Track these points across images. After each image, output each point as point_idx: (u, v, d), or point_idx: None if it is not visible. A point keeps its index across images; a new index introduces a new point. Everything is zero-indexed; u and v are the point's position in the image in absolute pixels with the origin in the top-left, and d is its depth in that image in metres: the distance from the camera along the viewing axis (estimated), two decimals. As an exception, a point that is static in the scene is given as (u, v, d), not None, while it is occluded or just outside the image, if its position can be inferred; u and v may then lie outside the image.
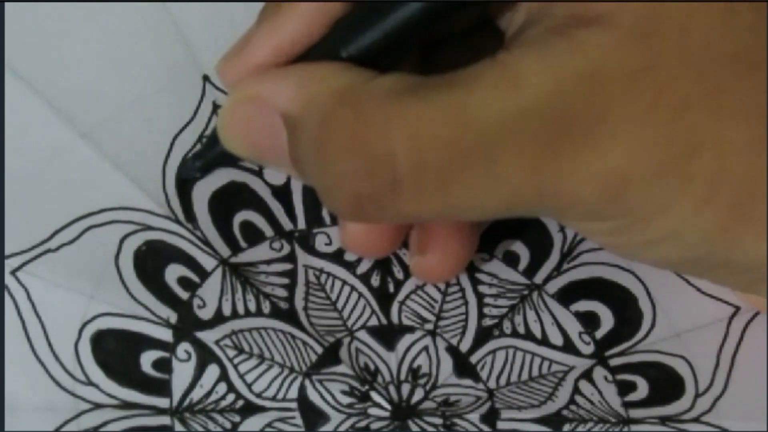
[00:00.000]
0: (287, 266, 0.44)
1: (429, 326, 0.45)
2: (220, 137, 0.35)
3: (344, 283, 0.45)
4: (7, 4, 0.42)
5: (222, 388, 0.43)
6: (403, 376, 0.44)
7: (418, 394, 0.44)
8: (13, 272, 0.42)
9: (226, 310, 0.43)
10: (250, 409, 0.43)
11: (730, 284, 0.35)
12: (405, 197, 0.30)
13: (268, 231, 0.44)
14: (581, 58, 0.28)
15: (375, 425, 0.43)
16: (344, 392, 0.43)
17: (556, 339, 0.44)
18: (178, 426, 0.43)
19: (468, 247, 0.41)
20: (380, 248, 0.41)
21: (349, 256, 0.45)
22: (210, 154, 0.41)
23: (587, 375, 0.44)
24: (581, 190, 0.29)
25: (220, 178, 0.44)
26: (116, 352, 0.43)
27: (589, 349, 0.44)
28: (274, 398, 0.43)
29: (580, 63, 0.28)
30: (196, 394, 0.43)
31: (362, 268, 0.45)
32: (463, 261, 0.41)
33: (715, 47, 0.28)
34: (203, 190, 0.44)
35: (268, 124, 0.33)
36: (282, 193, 0.44)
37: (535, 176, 0.29)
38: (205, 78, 0.43)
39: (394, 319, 0.45)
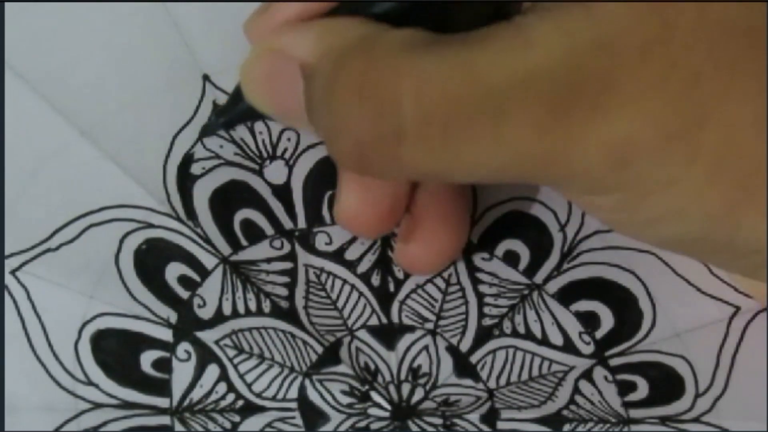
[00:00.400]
0: (288, 265, 0.44)
1: (429, 326, 0.45)
2: (243, 90, 0.36)
3: (345, 282, 0.45)
4: (7, 4, 0.42)
5: (222, 387, 0.43)
6: (403, 376, 0.44)
7: (418, 393, 0.44)
8: (13, 272, 0.42)
9: (227, 310, 0.43)
10: (250, 409, 0.43)
11: (733, 268, 0.34)
12: (407, 147, 0.30)
13: (269, 229, 0.44)
14: (596, 25, 0.28)
15: (375, 425, 0.43)
16: (344, 392, 0.43)
17: (556, 339, 0.44)
18: (177, 426, 0.43)
19: (453, 242, 0.41)
20: (372, 225, 0.40)
21: (350, 255, 0.45)
22: (233, 109, 0.41)
23: (587, 375, 0.44)
24: (587, 158, 0.29)
25: (221, 176, 0.44)
26: (116, 351, 0.43)
27: (589, 349, 0.44)
28: (274, 398, 0.43)
29: (595, 31, 0.28)
30: (196, 394, 0.43)
31: (363, 268, 0.45)
32: (445, 254, 0.41)
33: (731, 22, 0.28)
34: (204, 188, 0.44)
35: (288, 75, 0.33)
36: (282, 191, 0.44)
37: (541, 139, 0.29)
38: (205, 77, 0.43)
39: (395, 318, 0.45)
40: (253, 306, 0.44)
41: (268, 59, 0.34)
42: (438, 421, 0.43)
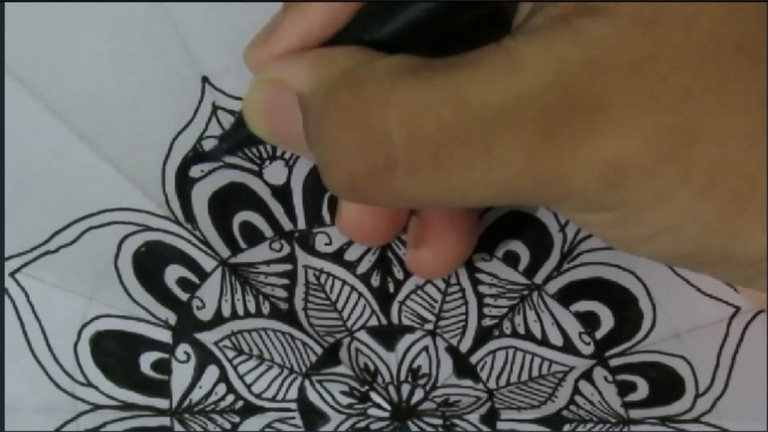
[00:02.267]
0: (287, 267, 0.44)
1: (429, 326, 0.45)
2: (245, 117, 0.36)
3: (344, 283, 0.45)
4: (6, 5, 0.42)
5: (221, 388, 0.43)
6: (403, 377, 0.44)
7: (418, 394, 0.44)
8: (12, 274, 0.42)
9: (226, 311, 0.43)
10: (249, 410, 0.43)
11: (730, 279, 0.35)
12: (400, 177, 0.30)
13: (268, 231, 0.44)
14: (583, 46, 0.28)
15: (375, 426, 0.43)
16: (344, 393, 0.43)
17: (556, 339, 0.44)
18: (177, 427, 0.43)
19: (464, 245, 0.41)
20: (374, 235, 0.40)
21: (350, 256, 0.45)
22: (236, 135, 0.41)
23: (587, 375, 0.44)
24: (579, 178, 0.29)
25: (219, 178, 0.44)
26: (115, 353, 0.43)
27: (589, 350, 0.44)
28: (273, 399, 0.43)
29: (582, 51, 0.28)
30: (196, 395, 0.43)
31: (362, 268, 0.45)
32: (457, 258, 0.41)
33: (719, 37, 0.28)
34: (203, 191, 0.44)
35: (286, 106, 0.34)
36: (282, 193, 0.44)
37: (533, 162, 0.29)
38: (205, 79, 0.43)
39: (394, 319, 0.45)
40: (252, 307, 0.44)
41: (266, 89, 0.35)
42: (438, 421, 0.43)
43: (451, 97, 0.29)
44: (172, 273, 0.43)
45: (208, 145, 0.43)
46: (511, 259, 0.45)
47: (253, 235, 0.44)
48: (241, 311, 0.44)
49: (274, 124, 0.35)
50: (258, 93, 0.35)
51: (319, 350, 0.44)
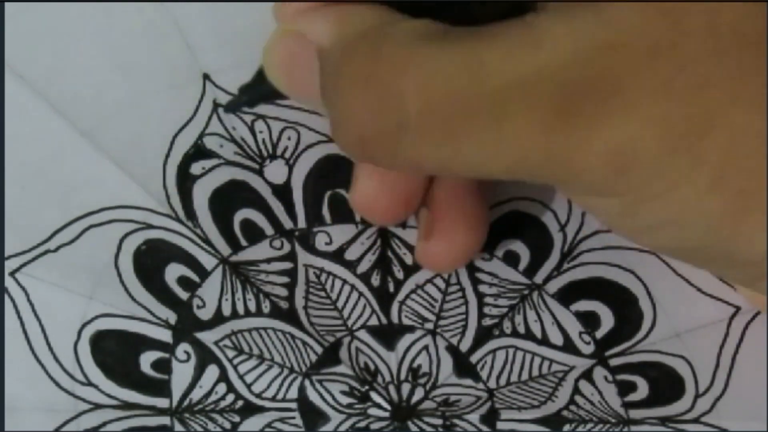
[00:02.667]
0: (287, 265, 0.44)
1: (429, 326, 0.45)
2: (265, 69, 0.36)
3: (344, 282, 0.45)
4: (7, 4, 0.42)
5: (222, 388, 0.43)
6: (403, 376, 0.44)
7: (418, 393, 0.44)
8: (12, 273, 0.42)
9: (226, 310, 0.43)
10: (249, 410, 0.43)
11: (732, 278, 0.35)
12: (409, 140, 0.30)
13: (269, 229, 0.44)
14: (606, 28, 0.28)
15: (375, 425, 0.43)
16: (344, 392, 0.43)
17: (557, 339, 0.44)
18: (177, 426, 0.43)
19: (474, 238, 0.41)
20: (387, 213, 0.40)
21: (350, 255, 0.45)
22: (256, 89, 0.41)
23: (587, 375, 0.44)
24: (589, 160, 0.29)
25: (220, 176, 0.44)
26: (116, 352, 0.43)
27: (589, 349, 0.44)
28: (273, 398, 0.43)
29: (604, 33, 0.28)
30: (196, 395, 0.43)
31: (362, 268, 0.45)
32: (468, 251, 0.41)
33: (740, 30, 0.28)
34: (204, 188, 0.44)
35: (305, 59, 0.33)
36: (282, 191, 0.44)
37: (544, 139, 0.29)
38: (206, 76, 0.43)
39: (395, 318, 0.45)
40: (252, 307, 0.44)
41: (287, 41, 0.34)
42: (438, 421, 0.43)
43: (469, 68, 0.29)
44: (173, 272, 0.43)
45: (209, 141, 0.43)
46: (512, 259, 0.45)
47: (253, 233, 0.44)
48: (241, 310, 0.44)
49: (293, 77, 0.35)
50: (279, 44, 0.35)
51: (319, 350, 0.44)
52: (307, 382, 0.43)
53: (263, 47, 0.35)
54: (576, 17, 0.29)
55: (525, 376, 0.44)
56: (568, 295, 0.44)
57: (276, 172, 0.44)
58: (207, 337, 0.43)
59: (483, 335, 0.45)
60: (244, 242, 0.44)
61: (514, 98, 0.28)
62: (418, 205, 0.40)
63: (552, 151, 0.29)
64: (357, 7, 0.33)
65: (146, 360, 0.43)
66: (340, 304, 0.44)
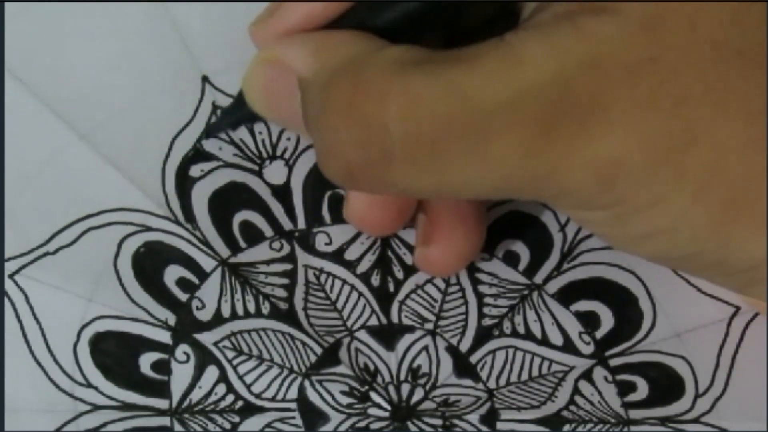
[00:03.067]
0: (287, 266, 0.44)
1: (429, 326, 0.45)
2: (245, 95, 0.36)
3: (344, 282, 0.45)
4: (6, 5, 0.42)
5: (221, 389, 0.43)
6: (402, 376, 0.44)
7: (418, 394, 0.44)
8: (12, 276, 0.42)
9: (225, 312, 0.44)
10: (249, 410, 0.43)
11: (725, 285, 0.34)
12: (396, 169, 0.30)
13: (268, 231, 0.44)
14: (585, 45, 0.28)
15: (374, 426, 0.43)
16: (344, 392, 0.43)
17: (556, 339, 0.44)
18: (177, 426, 0.43)
19: (473, 242, 0.41)
20: (381, 225, 0.40)
21: (350, 256, 0.45)
22: (237, 111, 0.41)
23: (587, 375, 0.44)
24: (575, 177, 0.29)
25: (219, 178, 0.44)
26: (115, 354, 0.43)
27: (589, 349, 0.44)
28: (273, 399, 0.43)
29: (584, 50, 0.28)
30: (196, 395, 0.43)
31: (362, 268, 0.45)
32: (466, 255, 0.41)
33: (721, 43, 0.28)
34: (203, 190, 0.44)
35: (286, 86, 0.33)
36: (282, 192, 0.44)
37: (529, 159, 0.29)
38: (205, 78, 0.43)
39: (394, 318, 0.45)
40: (252, 308, 0.44)
41: (267, 69, 0.34)
42: (437, 421, 0.43)
43: (450, 93, 0.29)
44: (172, 273, 0.44)
45: (208, 145, 0.43)
46: (511, 259, 0.45)
47: (253, 235, 0.44)
48: (240, 311, 0.44)
49: (273, 104, 0.35)
50: (258, 71, 0.35)
51: (318, 350, 0.44)
52: (306, 383, 0.43)
53: (243, 75, 0.36)
54: (555, 34, 0.29)
55: (525, 376, 0.44)
56: (568, 295, 0.44)
57: (275, 173, 0.44)
58: (206, 338, 0.43)
59: (483, 335, 0.45)
60: (243, 244, 0.44)
61: (497, 121, 0.28)
62: (412, 213, 0.40)
63: (537, 170, 0.29)
64: (337, 35, 0.33)
65: (146, 361, 0.43)
66: (339, 305, 0.44)
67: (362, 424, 0.43)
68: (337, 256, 0.45)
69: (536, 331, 0.44)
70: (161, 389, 0.43)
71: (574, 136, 0.28)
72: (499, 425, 0.43)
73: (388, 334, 0.44)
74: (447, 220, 0.40)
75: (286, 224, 0.44)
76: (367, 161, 0.30)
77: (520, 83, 0.28)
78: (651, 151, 0.28)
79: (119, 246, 0.43)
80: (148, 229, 0.43)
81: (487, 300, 0.45)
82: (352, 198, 0.40)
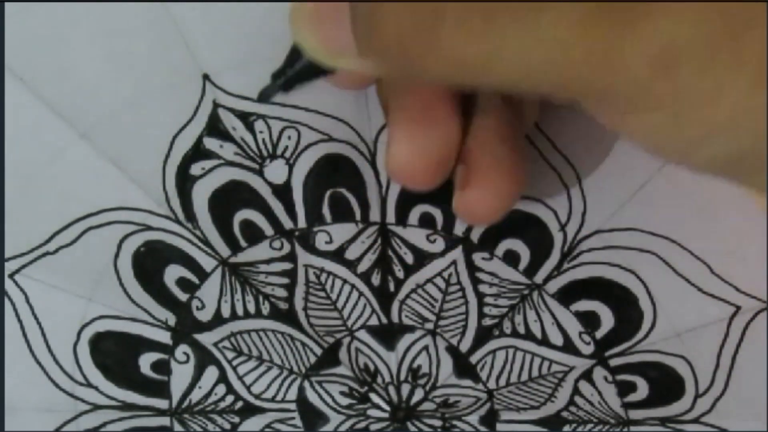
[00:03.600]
0: (287, 265, 0.44)
1: (429, 326, 0.45)
2: (292, 28, 0.35)
3: (345, 282, 0.45)
4: (7, 4, 0.42)
5: (221, 389, 0.43)
6: (403, 376, 0.44)
7: (418, 394, 0.44)
8: (12, 275, 0.42)
9: (225, 312, 0.44)
10: (249, 410, 0.44)
11: None
12: (447, 32, 0.29)
13: (268, 230, 0.44)
14: None
15: (374, 426, 0.43)
16: (343, 393, 0.43)
17: (556, 339, 0.44)
18: (177, 426, 0.43)
19: (510, 183, 0.39)
20: (424, 175, 0.39)
21: (350, 255, 0.45)
22: (290, 70, 0.40)
23: (587, 375, 0.44)
24: (631, 62, 0.28)
25: (220, 176, 0.44)
26: (115, 354, 0.43)
27: (589, 349, 0.44)
28: (273, 399, 0.44)
29: None
30: (195, 396, 0.43)
31: (363, 267, 0.45)
32: (505, 196, 0.39)
33: None
34: (203, 189, 0.44)
35: (334, 8, 0.33)
36: (282, 191, 0.44)
37: (585, 35, 0.28)
38: (205, 77, 0.43)
39: (395, 318, 0.45)
40: (252, 308, 0.44)
41: None
42: (437, 422, 0.43)
43: None
44: (172, 273, 0.44)
45: (209, 143, 0.43)
46: (512, 259, 0.45)
47: (253, 234, 0.44)
48: (240, 312, 0.44)
49: (323, 30, 0.34)
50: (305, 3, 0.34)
51: (318, 351, 0.44)
52: (306, 383, 0.43)
53: (290, 10, 0.35)
54: None
55: (525, 376, 0.44)
56: (568, 295, 0.44)
57: (276, 171, 0.44)
58: (206, 338, 0.43)
59: (483, 335, 0.45)
60: (243, 243, 0.44)
61: None
62: (452, 166, 0.40)
63: (593, 48, 0.28)
64: None
65: (146, 361, 0.43)
66: (340, 304, 0.44)
67: (362, 425, 0.43)
68: (337, 256, 0.45)
69: (536, 331, 0.44)
70: (161, 389, 0.43)
71: (632, 15, 0.28)
72: (499, 426, 0.44)
73: (388, 334, 0.45)
74: (484, 162, 0.39)
75: (287, 223, 0.44)
76: (418, 23, 0.30)
77: None
78: (708, 34, 0.28)
79: (119, 245, 0.43)
80: (149, 228, 0.43)
81: (488, 300, 0.45)
82: (393, 148, 0.38)
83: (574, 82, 0.30)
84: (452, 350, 0.44)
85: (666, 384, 0.44)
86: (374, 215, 0.44)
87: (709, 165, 0.32)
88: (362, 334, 0.44)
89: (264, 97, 0.42)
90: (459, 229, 0.44)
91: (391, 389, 0.44)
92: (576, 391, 0.44)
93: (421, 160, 0.39)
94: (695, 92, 0.29)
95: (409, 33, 0.30)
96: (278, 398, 0.43)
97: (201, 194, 0.43)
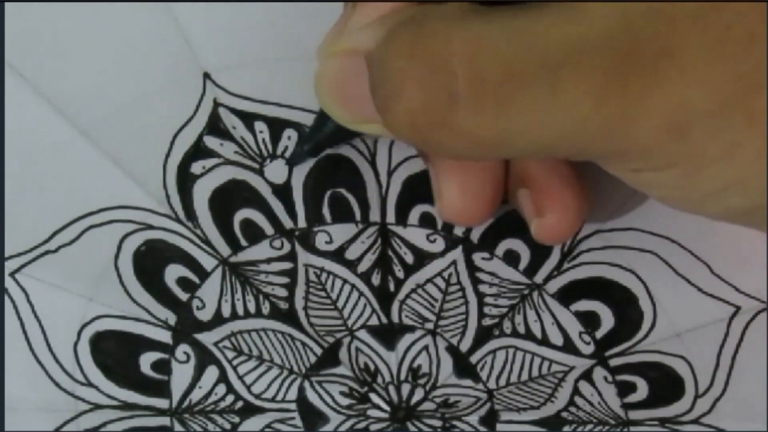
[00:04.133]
0: (287, 265, 0.44)
1: (429, 325, 0.45)
2: (318, 98, 0.36)
3: (345, 281, 0.44)
4: (7, 4, 0.42)
5: (221, 389, 0.43)
6: (403, 376, 0.44)
7: (418, 394, 0.44)
8: (12, 274, 0.42)
9: (226, 312, 0.43)
10: (249, 410, 0.43)
11: None
12: (461, 112, 0.30)
13: (269, 229, 0.44)
14: None
15: (374, 427, 0.43)
16: (343, 393, 0.43)
17: (556, 339, 0.44)
18: (177, 426, 0.43)
19: (583, 200, 0.39)
20: (478, 215, 0.39)
21: (350, 255, 0.45)
22: (317, 134, 0.41)
23: (587, 375, 0.44)
24: (646, 127, 0.29)
25: (221, 175, 0.43)
26: (115, 353, 0.43)
27: (589, 349, 0.44)
28: (273, 399, 0.43)
29: None
30: (196, 395, 0.43)
31: (363, 267, 0.45)
32: (581, 214, 0.40)
33: None
34: (204, 188, 0.43)
35: (357, 73, 0.33)
36: (282, 191, 0.44)
37: (599, 107, 0.29)
38: (206, 75, 0.43)
39: (395, 318, 0.44)
40: (252, 308, 0.44)
41: (336, 60, 0.34)
42: (437, 423, 0.43)
43: (516, 37, 0.29)
44: (172, 272, 0.43)
45: (209, 141, 0.43)
46: (512, 258, 0.45)
47: (253, 233, 0.44)
48: (241, 311, 0.44)
49: (346, 95, 0.34)
50: (327, 65, 0.35)
51: (318, 351, 0.44)
52: (306, 383, 0.43)
53: (315, 75, 0.35)
54: None
55: (525, 376, 0.44)
56: (568, 295, 0.44)
57: (276, 171, 0.44)
58: (206, 338, 0.43)
59: (483, 335, 0.44)
60: (244, 242, 0.44)
61: (565, 65, 0.28)
62: (500, 199, 0.40)
63: (607, 120, 0.29)
64: (398, 5, 0.33)
65: (146, 361, 0.43)
66: (340, 304, 0.44)
67: (362, 425, 0.43)
68: (337, 255, 0.44)
69: (536, 331, 0.44)
70: (161, 389, 0.43)
71: (644, 84, 0.28)
72: (499, 426, 0.43)
73: (388, 334, 0.44)
74: (555, 188, 0.39)
75: (287, 223, 0.44)
76: (430, 102, 0.30)
77: (586, 30, 0.28)
78: (721, 97, 0.28)
79: (120, 244, 0.43)
80: (149, 227, 0.43)
81: (488, 300, 0.45)
82: (445, 193, 0.39)
83: (589, 149, 0.31)
84: (452, 350, 0.44)
85: (666, 384, 0.44)
86: (374, 215, 0.44)
87: (723, 216, 0.33)
88: (362, 334, 0.44)
89: (292, 162, 0.42)
90: (459, 229, 0.44)
91: (391, 389, 0.44)
92: (576, 391, 0.44)
93: (474, 202, 0.39)
94: (707, 152, 0.29)
95: (421, 111, 0.30)
96: (278, 398, 0.43)
97: (201, 193, 0.43)
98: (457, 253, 0.44)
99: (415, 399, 0.44)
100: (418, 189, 0.43)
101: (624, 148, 0.30)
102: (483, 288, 0.45)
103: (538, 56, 0.29)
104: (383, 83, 0.31)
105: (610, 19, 0.28)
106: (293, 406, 0.43)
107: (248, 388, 0.43)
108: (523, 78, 0.29)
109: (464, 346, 0.44)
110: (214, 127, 0.43)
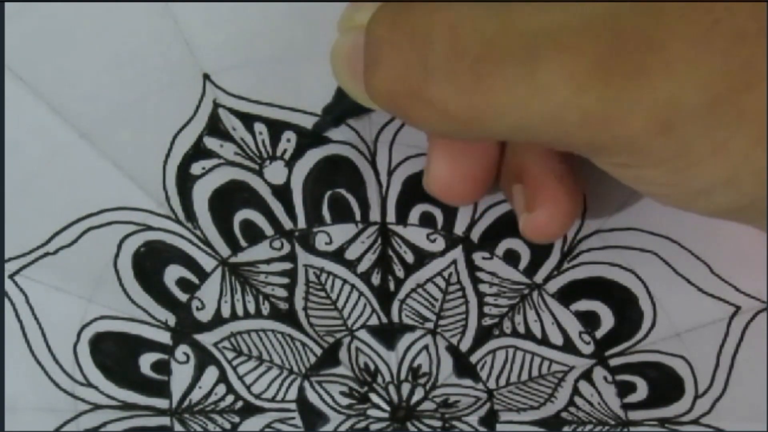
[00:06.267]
0: (287, 266, 0.44)
1: (429, 325, 0.45)
2: (332, 71, 0.36)
3: (345, 282, 0.45)
4: (7, 4, 0.42)
5: (221, 389, 0.43)
6: (403, 376, 0.44)
7: (418, 393, 0.44)
8: (12, 276, 0.42)
9: (225, 312, 0.44)
10: (249, 410, 0.44)
11: None
12: (436, 83, 0.30)
13: (269, 230, 0.44)
14: None
15: (374, 426, 0.43)
16: (343, 393, 0.43)
17: (556, 339, 0.44)
18: (177, 426, 0.43)
19: (575, 201, 0.39)
20: (464, 193, 0.39)
21: (350, 255, 0.45)
22: (339, 106, 0.41)
23: (587, 375, 0.44)
24: (631, 122, 0.28)
25: (220, 176, 0.43)
26: (115, 354, 0.43)
27: (589, 349, 0.44)
28: (273, 399, 0.44)
29: None
30: (196, 396, 0.43)
31: (363, 267, 0.45)
32: (572, 215, 0.39)
33: None
34: (204, 189, 0.44)
35: (360, 46, 0.33)
36: (282, 192, 0.44)
37: (579, 96, 0.28)
38: (206, 76, 0.43)
39: (395, 317, 0.45)
40: (252, 308, 0.44)
41: (347, 36, 0.35)
42: (437, 423, 0.43)
43: (499, 16, 0.29)
44: (172, 273, 0.44)
45: (210, 142, 0.43)
46: (512, 258, 0.45)
47: (253, 234, 0.44)
48: (240, 312, 0.44)
49: (356, 70, 0.34)
50: (340, 41, 0.35)
51: (318, 351, 0.44)
52: (306, 383, 0.43)
53: (330, 51, 0.36)
54: None
55: (525, 376, 0.44)
56: (568, 295, 0.44)
57: (276, 172, 0.44)
58: (206, 338, 0.43)
59: (483, 335, 0.45)
60: (243, 243, 0.44)
61: (547, 48, 0.28)
62: (491, 182, 0.40)
63: (590, 109, 0.29)
64: None
65: (146, 361, 0.43)
66: (340, 304, 0.44)
67: (362, 425, 0.43)
68: (337, 256, 0.45)
69: (536, 330, 0.44)
70: (161, 389, 0.43)
71: (630, 76, 0.28)
72: (499, 427, 0.44)
73: (388, 334, 0.45)
74: (548, 184, 0.39)
75: (287, 223, 0.44)
76: (407, 71, 0.30)
77: (571, 16, 0.28)
78: (710, 92, 0.28)
79: (119, 246, 0.43)
80: (149, 228, 0.43)
81: (488, 299, 0.45)
82: (433, 168, 0.39)
83: (569, 139, 0.30)
84: (452, 350, 0.44)
85: (665, 384, 0.44)
86: (374, 215, 0.44)
87: (712, 213, 0.32)
88: (362, 334, 0.44)
89: (318, 130, 0.42)
90: (459, 229, 0.44)
91: (391, 389, 0.44)
92: (576, 391, 0.44)
93: (461, 179, 0.39)
94: (695, 150, 0.29)
95: (396, 81, 0.31)
96: (278, 398, 0.43)
97: (201, 194, 0.43)
98: (458, 253, 0.44)
99: (415, 399, 0.44)
100: (418, 188, 0.43)
101: (605, 140, 0.29)
102: (483, 287, 0.45)
103: (520, 37, 0.28)
104: (367, 52, 0.32)
105: (597, 8, 0.28)
106: (293, 406, 0.43)
107: (248, 388, 0.43)
108: (502, 57, 0.29)
109: (464, 346, 0.44)
110: (214, 128, 0.43)
